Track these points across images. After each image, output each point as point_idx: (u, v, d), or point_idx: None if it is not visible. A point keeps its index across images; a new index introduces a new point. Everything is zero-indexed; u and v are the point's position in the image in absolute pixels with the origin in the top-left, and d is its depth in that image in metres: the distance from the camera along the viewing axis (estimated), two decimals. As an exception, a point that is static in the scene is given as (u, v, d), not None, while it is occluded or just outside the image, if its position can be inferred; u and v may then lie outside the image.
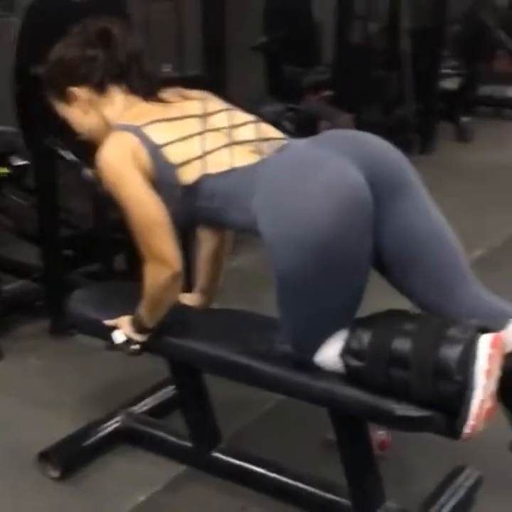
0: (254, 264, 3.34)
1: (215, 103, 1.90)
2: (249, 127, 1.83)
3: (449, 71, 5.35)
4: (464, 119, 5.41)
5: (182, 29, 3.58)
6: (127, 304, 1.97)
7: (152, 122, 1.78)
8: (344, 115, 3.70)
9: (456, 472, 1.99)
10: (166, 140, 1.76)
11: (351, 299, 1.68)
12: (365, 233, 1.63)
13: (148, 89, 1.88)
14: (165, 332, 1.90)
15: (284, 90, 4.48)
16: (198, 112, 1.84)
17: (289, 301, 1.69)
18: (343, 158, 1.66)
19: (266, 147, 1.76)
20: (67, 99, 1.91)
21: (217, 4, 3.28)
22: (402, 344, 1.59)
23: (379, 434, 2.09)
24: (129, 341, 1.92)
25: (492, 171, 4.83)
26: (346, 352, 1.65)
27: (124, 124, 1.80)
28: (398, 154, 1.75)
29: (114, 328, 1.94)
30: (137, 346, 1.92)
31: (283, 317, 1.74)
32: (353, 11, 4.46)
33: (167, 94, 1.89)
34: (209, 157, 1.75)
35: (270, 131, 1.84)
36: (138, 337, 1.91)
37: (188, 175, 1.75)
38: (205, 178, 1.74)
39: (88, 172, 2.51)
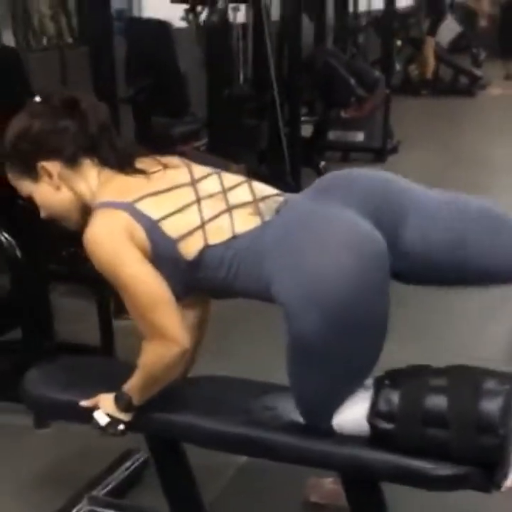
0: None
1: (199, 168, 1.79)
2: (244, 188, 1.74)
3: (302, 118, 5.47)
4: (323, 164, 5.57)
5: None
6: (99, 380, 1.85)
7: (144, 197, 1.66)
8: (233, 165, 3.66)
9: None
10: (162, 214, 1.64)
11: (372, 358, 1.62)
12: (385, 288, 1.59)
13: (122, 160, 1.75)
14: (150, 408, 1.74)
15: (154, 142, 4.38)
16: (187, 179, 1.73)
17: (305, 366, 1.61)
18: (349, 211, 1.61)
19: (264, 208, 1.69)
20: (34, 175, 1.74)
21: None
22: (436, 401, 1.55)
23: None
24: (113, 422, 1.75)
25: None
26: (375, 415, 1.59)
27: (112, 202, 1.66)
28: (393, 183, 1.71)
29: (92, 408, 1.77)
30: (123, 426, 1.76)
31: (296, 383, 1.66)
32: (223, 61, 4.46)
33: (144, 164, 1.76)
34: (209, 226, 1.65)
35: (264, 188, 1.76)
36: (123, 416, 1.76)
37: (190, 248, 1.64)
38: (208, 249, 1.64)
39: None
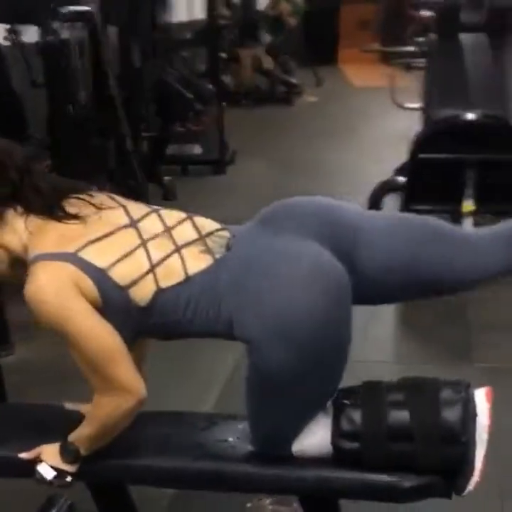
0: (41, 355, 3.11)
1: (134, 206, 1.71)
2: (187, 225, 1.68)
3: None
4: (167, 178, 5.53)
5: None
6: (33, 430, 1.76)
7: (86, 245, 1.56)
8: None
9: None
10: (109, 261, 1.55)
11: (335, 385, 1.64)
12: (349, 317, 1.59)
13: (49, 206, 1.63)
14: (99, 454, 1.66)
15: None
16: (125, 220, 1.64)
17: (269, 399, 1.60)
18: (308, 241, 1.61)
19: (213, 244, 1.64)
20: None
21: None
22: (398, 416, 1.59)
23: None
24: (60, 474, 1.65)
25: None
26: (338, 435, 1.61)
27: (52, 253, 1.55)
28: (341, 210, 1.71)
29: (33, 461, 1.66)
30: (70, 478, 1.67)
31: (257, 415, 1.66)
32: (61, 81, 4.30)
33: (74, 206, 1.65)
34: (159, 269, 1.58)
35: (206, 223, 1.70)
36: (70, 468, 1.66)
37: (142, 294, 1.56)
38: (161, 292, 1.57)
39: None
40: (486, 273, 1.68)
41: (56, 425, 1.79)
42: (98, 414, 1.60)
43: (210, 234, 1.66)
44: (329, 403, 1.65)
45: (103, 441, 1.65)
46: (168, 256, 1.60)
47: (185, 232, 1.66)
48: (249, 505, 2.11)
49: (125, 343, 1.58)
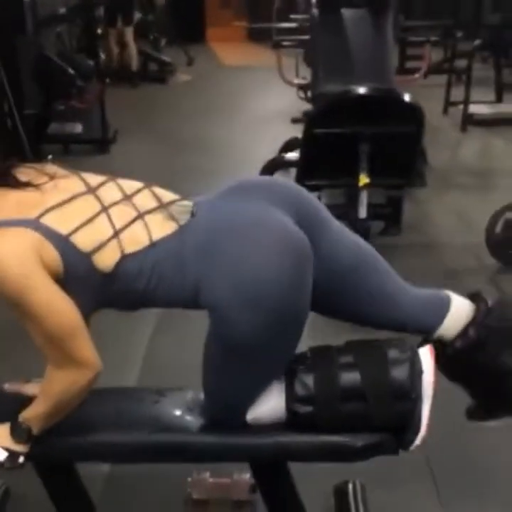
0: None
1: (90, 175, 1.67)
2: (146, 193, 1.65)
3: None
4: (50, 157, 5.37)
5: None
6: None
7: (46, 211, 1.51)
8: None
9: None
10: (71, 227, 1.52)
11: (293, 351, 1.67)
12: (310, 283, 1.62)
13: (1, 174, 1.57)
14: (51, 434, 1.63)
15: None
16: (83, 188, 1.60)
17: (230, 367, 1.62)
18: (275, 209, 1.63)
19: (176, 212, 1.62)
20: None
21: None
22: (350, 377, 1.64)
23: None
24: (12, 455, 1.61)
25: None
26: (293, 400, 1.65)
27: (12, 219, 1.50)
28: (306, 192, 1.75)
29: None
30: (22, 459, 1.63)
31: (214, 385, 1.67)
32: None
33: (26, 175, 1.60)
34: (123, 235, 1.55)
35: (165, 193, 1.68)
36: (22, 448, 1.63)
37: (106, 260, 1.54)
38: (125, 259, 1.55)
39: None
40: (394, 322, 1.77)
41: (4, 406, 1.74)
42: (54, 389, 1.57)
43: (171, 203, 1.65)
44: (281, 370, 1.68)
45: (56, 418, 1.61)
46: (131, 222, 1.58)
47: (146, 200, 1.64)
48: (189, 479, 2.12)
49: (84, 313, 1.55)
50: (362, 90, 3.82)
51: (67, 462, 1.77)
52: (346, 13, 4.74)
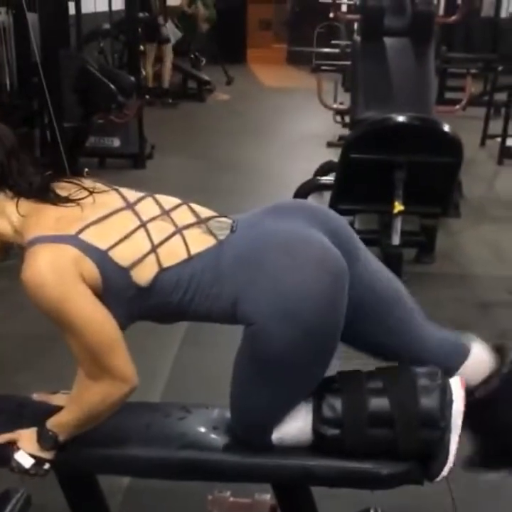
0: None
1: (128, 191, 1.68)
2: (184, 209, 1.66)
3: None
4: (86, 170, 5.42)
5: None
6: (5, 419, 1.72)
7: (85, 227, 1.54)
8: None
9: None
10: (110, 243, 1.53)
11: (324, 371, 1.66)
12: (345, 303, 1.62)
13: (40, 189, 1.59)
14: (77, 443, 1.63)
15: None
16: (121, 203, 1.62)
17: (261, 383, 1.62)
18: (311, 228, 1.63)
19: (214, 227, 1.64)
20: None
21: None
22: (379, 403, 1.63)
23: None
24: (37, 462, 1.62)
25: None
26: (320, 422, 1.64)
27: (52, 235, 1.52)
28: (342, 220, 1.76)
29: (8, 447, 1.63)
30: (47, 466, 1.64)
31: (243, 402, 1.67)
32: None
33: (66, 190, 1.61)
34: (160, 249, 1.57)
35: (202, 209, 1.70)
36: (47, 455, 1.63)
37: (144, 274, 1.55)
38: (163, 273, 1.56)
39: None
40: (413, 358, 1.74)
41: (27, 415, 1.76)
42: (86, 400, 1.58)
43: (209, 219, 1.66)
44: (308, 393, 1.68)
45: (84, 428, 1.62)
46: (169, 237, 1.59)
47: (184, 215, 1.65)
48: (210, 497, 2.10)
49: (121, 326, 1.56)
50: (402, 118, 3.82)
51: (90, 473, 1.77)
52: (389, 41, 4.77)
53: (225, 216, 1.69)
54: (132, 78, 5.85)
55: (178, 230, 1.61)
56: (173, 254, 1.58)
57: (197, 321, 1.68)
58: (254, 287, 1.56)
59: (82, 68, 5.30)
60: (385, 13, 4.77)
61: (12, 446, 1.63)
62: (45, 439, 1.62)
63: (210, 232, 1.62)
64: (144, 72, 8.41)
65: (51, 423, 1.62)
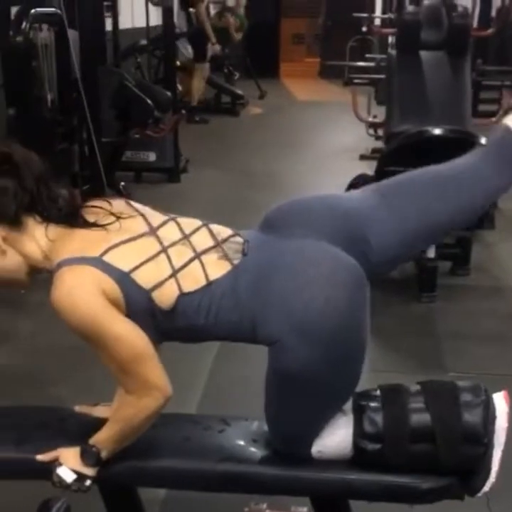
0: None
1: (153, 214, 1.73)
2: (203, 232, 1.70)
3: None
4: (122, 184, 5.50)
5: None
6: (46, 432, 1.73)
7: (108, 249, 1.57)
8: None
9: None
10: (132, 265, 1.57)
11: (355, 383, 1.67)
12: (366, 313, 1.63)
13: (68, 214, 1.64)
14: (117, 458, 1.65)
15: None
16: (145, 228, 1.66)
17: (293, 398, 1.63)
18: (319, 242, 1.64)
19: (229, 251, 1.66)
20: None
21: None
22: (420, 418, 1.63)
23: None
24: (80, 478, 1.64)
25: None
26: (361, 437, 1.64)
27: (77, 258, 1.56)
28: (329, 197, 1.76)
29: (50, 464, 1.65)
30: (89, 482, 1.66)
31: (277, 417, 1.68)
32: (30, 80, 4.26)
33: (93, 215, 1.66)
34: (180, 274, 1.60)
35: (220, 229, 1.73)
36: (90, 471, 1.65)
37: (164, 298, 1.59)
38: (183, 297, 1.59)
39: None
40: (489, 195, 1.77)
41: (69, 428, 1.79)
42: (125, 413, 1.61)
43: (225, 240, 1.69)
44: (348, 406, 1.68)
45: (125, 443, 1.65)
46: (188, 262, 1.62)
47: (203, 239, 1.68)
48: (246, 509, 2.11)
49: (152, 343, 1.59)
50: (438, 130, 3.82)
51: (131, 484, 1.78)
52: (424, 54, 4.77)
53: (238, 234, 1.71)
54: (168, 93, 5.90)
55: (197, 256, 1.64)
56: (192, 279, 1.61)
57: (228, 341, 1.70)
58: (269, 311, 1.58)
59: (120, 84, 5.37)
60: (421, 27, 4.78)
61: (54, 460, 1.65)
62: (87, 455, 1.64)
63: (226, 257, 1.65)
64: (179, 87, 8.46)
65: (94, 439, 1.64)
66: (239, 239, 1.70)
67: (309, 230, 1.67)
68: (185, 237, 1.67)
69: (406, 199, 1.73)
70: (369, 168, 4.25)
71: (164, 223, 1.69)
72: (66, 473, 1.64)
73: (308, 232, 1.66)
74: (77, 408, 1.89)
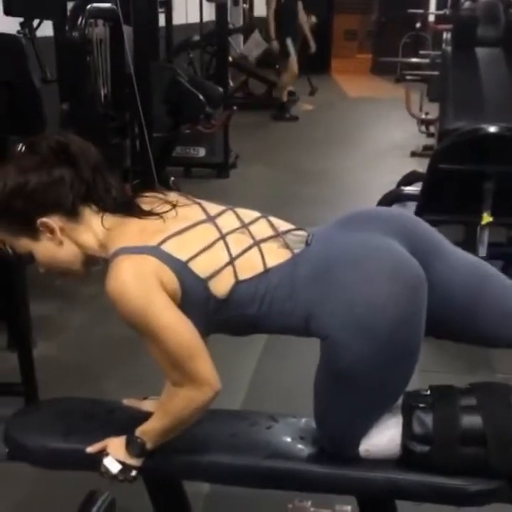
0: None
1: (209, 204, 1.72)
2: (262, 222, 1.69)
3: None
4: (172, 180, 5.53)
5: None
6: (94, 424, 1.76)
7: (167, 238, 1.57)
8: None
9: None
10: (189, 254, 1.56)
11: (406, 383, 1.65)
12: (424, 314, 1.61)
13: (124, 204, 1.65)
14: (163, 450, 1.66)
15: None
16: (203, 216, 1.65)
17: (345, 395, 1.61)
18: (389, 239, 1.63)
19: (291, 241, 1.65)
20: (32, 232, 1.61)
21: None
22: (471, 420, 1.60)
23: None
24: (125, 468, 1.66)
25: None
26: (409, 438, 1.62)
27: (134, 247, 1.55)
28: (420, 221, 1.75)
29: (98, 455, 1.67)
30: (135, 472, 1.67)
31: (326, 414, 1.67)
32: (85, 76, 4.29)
33: (149, 204, 1.66)
34: (238, 262, 1.59)
35: (280, 222, 1.71)
36: (135, 462, 1.66)
37: (221, 286, 1.57)
38: (239, 285, 1.58)
39: None
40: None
41: (117, 420, 1.80)
42: (172, 406, 1.60)
43: (286, 232, 1.67)
44: (397, 406, 1.66)
45: (171, 435, 1.65)
46: (247, 249, 1.61)
47: (262, 228, 1.67)
48: (290, 506, 2.10)
49: (201, 336, 1.58)
50: (493, 128, 3.74)
51: (176, 479, 1.79)
52: (480, 51, 4.69)
53: (302, 229, 1.70)
54: (220, 89, 5.91)
55: (256, 243, 1.62)
56: (249, 266, 1.59)
57: (275, 334, 1.69)
58: (327, 303, 1.56)
59: (172, 79, 5.37)
60: (478, 23, 4.71)
61: (102, 451, 1.67)
62: (133, 446, 1.65)
63: (287, 246, 1.63)
64: (231, 83, 8.48)
65: (140, 430, 1.65)
66: (301, 232, 1.68)
67: (379, 228, 1.65)
68: (244, 226, 1.66)
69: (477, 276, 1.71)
70: (420, 165, 4.20)
71: (222, 212, 1.69)
72: (112, 464, 1.65)
73: (377, 229, 1.65)
74: (126, 401, 1.90)
